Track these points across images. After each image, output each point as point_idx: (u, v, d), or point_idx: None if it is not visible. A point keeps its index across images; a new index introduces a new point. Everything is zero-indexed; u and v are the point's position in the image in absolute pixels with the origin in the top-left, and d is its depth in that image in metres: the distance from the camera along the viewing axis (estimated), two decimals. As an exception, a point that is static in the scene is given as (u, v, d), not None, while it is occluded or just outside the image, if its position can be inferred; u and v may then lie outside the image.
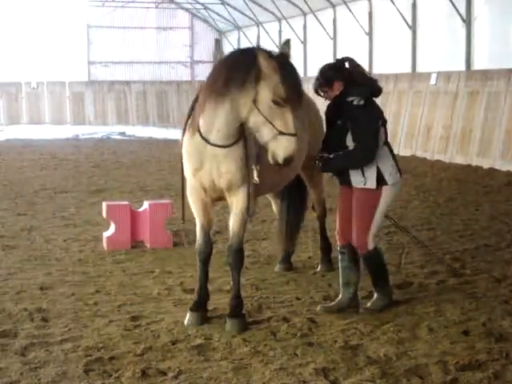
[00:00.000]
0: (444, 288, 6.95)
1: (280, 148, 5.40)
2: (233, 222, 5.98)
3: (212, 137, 5.74)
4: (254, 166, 5.93)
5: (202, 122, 5.75)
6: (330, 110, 6.22)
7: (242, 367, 5.02)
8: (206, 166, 5.85)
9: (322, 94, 6.22)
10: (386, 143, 6.12)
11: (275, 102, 5.40)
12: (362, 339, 5.54)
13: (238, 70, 5.51)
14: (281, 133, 5.39)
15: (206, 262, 6.13)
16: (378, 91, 6.19)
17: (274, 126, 5.40)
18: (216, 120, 5.67)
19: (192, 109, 5.96)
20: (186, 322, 5.94)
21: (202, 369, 5.00)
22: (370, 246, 6.14)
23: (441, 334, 5.63)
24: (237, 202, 5.91)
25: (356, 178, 6.06)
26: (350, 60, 6.20)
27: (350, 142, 6.01)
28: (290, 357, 5.20)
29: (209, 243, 6.11)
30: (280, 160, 5.44)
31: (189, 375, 4.89)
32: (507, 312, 6.15)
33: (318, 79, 6.18)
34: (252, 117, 5.52)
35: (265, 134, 5.47)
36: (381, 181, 6.03)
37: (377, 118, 6.05)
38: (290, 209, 7.64)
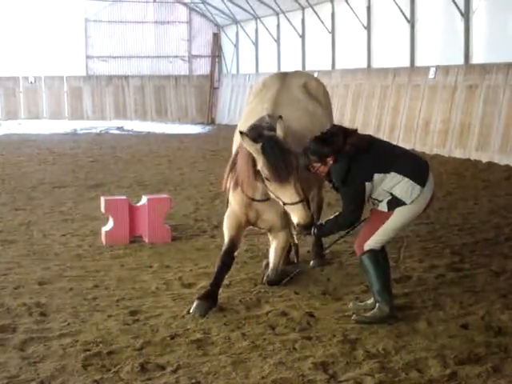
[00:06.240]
0: (443, 282, 6.95)
1: (293, 217, 5.75)
2: (273, 257, 6.61)
3: (252, 194, 6.24)
4: (293, 232, 6.38)
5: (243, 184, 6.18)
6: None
7: (240, 361, 5.02)
8: (250, 214, 6.41)
9: (312, 169, 5.85)
10: (396, 170, 5.74)
11: (268, 180, 5.79)
12: (361, 333, 5.53)
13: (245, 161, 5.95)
14: (286, 204, 5.74)
15: (228, 266, 6.34)
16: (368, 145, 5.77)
17: (279, 199, 5.80)
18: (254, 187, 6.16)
19: (234, 161, 6.24)
20: (191, 310, 5.99)
21: (200, 363, 4.99)
22: (366, 248, 5.82)
23: (440, 328, 5.63)
24: (277, 242, 6.56)
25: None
26: (339, 129, 5.88)
27: None
28: (288, 351, 5.20)
29: (232, 259, 6.38)
30: (299, 227, 5.79)
31: (187, 369, 4.89)
32: (506, 306, 6.14)
33: (308, 156, 5.78)
34: (269, 191, 5.95)
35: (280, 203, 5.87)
36: (398, 204, 5.73)
37: (356, 178, 5.64)
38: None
